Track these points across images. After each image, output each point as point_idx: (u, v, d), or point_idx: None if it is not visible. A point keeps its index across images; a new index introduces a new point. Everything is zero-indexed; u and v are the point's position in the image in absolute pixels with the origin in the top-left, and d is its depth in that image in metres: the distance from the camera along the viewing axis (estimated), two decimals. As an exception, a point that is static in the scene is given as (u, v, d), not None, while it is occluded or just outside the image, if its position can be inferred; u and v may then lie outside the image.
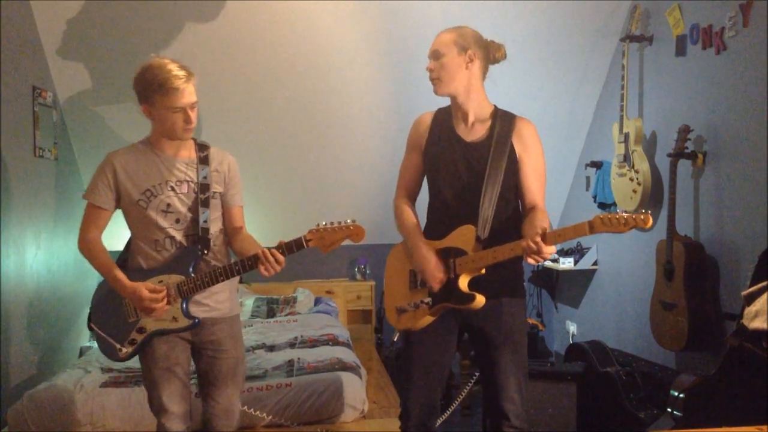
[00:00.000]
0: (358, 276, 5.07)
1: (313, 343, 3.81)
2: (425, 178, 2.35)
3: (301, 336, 3.98)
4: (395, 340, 2.43)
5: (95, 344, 4.37)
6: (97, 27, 3.74)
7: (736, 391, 2.37)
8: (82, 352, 4.31)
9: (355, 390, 3.06)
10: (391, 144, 4.47)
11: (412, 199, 2.39)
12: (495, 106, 2.28)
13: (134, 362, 3.37)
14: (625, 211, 1.88)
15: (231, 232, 2.37)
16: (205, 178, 2.27)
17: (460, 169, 2.21)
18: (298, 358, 3.42)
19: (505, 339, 2.21)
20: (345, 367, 3.25)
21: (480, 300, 2.12)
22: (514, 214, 2.24)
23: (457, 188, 2.22)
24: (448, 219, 2.22)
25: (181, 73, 2.14)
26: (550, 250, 1.96)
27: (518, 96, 4.24)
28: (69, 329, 4.26)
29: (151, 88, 2.13)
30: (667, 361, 3.55)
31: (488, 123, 2.23)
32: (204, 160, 2.29)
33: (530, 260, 1.98)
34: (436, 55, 2.22)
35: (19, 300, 3.54)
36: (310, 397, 2.99)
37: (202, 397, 2.39)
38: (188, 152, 2.30)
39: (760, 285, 2.32)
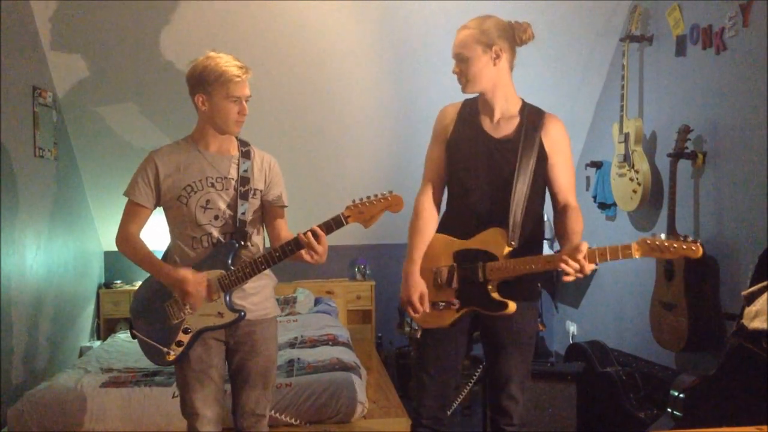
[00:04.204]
0: (358, 276, 5.07)
1: (313, 343, 3.81)
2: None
3: (302, 336, 3.98)
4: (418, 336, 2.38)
5: (95, 344, 4.38)
6: (97, 27, 3.74)
7: (736, 391, 2.37)
8: (82, 352, 4.31)
9: (355, 390, 3.06)
10: (391, 144, 4.47)
11: (437, 192, 2.29)
12: (523, 101, 2.21)
13: (134, 363, 3.42)
14: (676, 239, 1.83)
15: (275, 239, 2.31)
16: (245, 171, 2.27)
17: (486, 165, 2.15)
18: (298, 358, 3.42)
19: (513, 341, 2.20)
20: (345, 367, 3.25)
21: (512, 307, 2.08)
22: (539, 223, 2.20)
23: (481, 184, 2.15)
24: (469, 215, 2.16)
25: (240, 64, 2.19)
26: (591, 268, 1.92)
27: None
28: (69, 329, 4.26)
29: (211, 77, 2.15)
30: (667, 361, 3.54)
31: (516, 120, 2.17)
32: (246, 155, 2.29)
33: (568, 278, 1.92)
34: (460, 58, 2.14)
35: (19, 300, 3.53)
36: (310, 397, 2.99)
37: (232, 396, 2.37)
38: (230, 149, 2.30)
39: (760, 285, 2.32)
